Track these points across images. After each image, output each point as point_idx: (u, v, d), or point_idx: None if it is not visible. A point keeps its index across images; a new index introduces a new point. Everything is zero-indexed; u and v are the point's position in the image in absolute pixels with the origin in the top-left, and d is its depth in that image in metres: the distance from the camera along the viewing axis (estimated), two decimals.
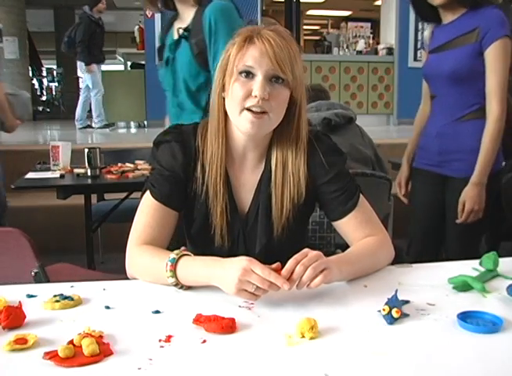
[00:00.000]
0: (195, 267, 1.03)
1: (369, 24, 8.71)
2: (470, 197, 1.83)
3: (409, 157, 2.18)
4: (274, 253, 1.13)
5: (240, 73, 1.08)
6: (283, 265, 0.97)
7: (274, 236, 1.18)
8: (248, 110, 1.08)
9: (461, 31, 1.86)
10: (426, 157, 2.03)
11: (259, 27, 1.11)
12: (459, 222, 1.87)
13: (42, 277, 1.73)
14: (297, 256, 0.98)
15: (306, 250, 1.00)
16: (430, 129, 2.01)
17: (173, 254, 1.04)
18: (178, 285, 1.04)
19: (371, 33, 8.67)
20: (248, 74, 1.08)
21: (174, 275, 1.03)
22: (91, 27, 6.58)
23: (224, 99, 1.13)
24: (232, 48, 1.10)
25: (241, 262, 0.94)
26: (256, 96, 1.06)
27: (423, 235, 2.13)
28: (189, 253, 1.07)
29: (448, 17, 1.91)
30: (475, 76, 1.83)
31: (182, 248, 1.08)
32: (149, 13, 6.65)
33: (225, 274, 0.96)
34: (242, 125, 1.10)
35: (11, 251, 1.75)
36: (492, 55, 1.79)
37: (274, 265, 0.97)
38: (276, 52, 1.06)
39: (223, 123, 1.15)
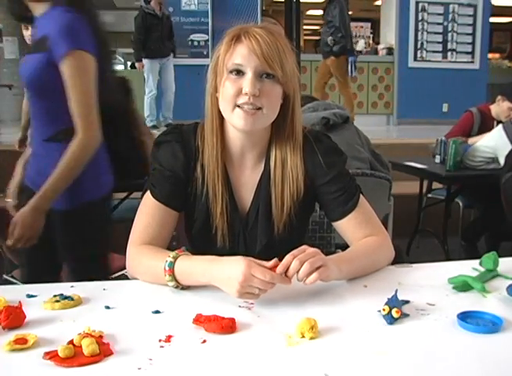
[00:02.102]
0: (193, 269, 1.02)
1: (369, 24, 8.72)
2: (21, 222, 1.49)
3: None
4: (274, 253, 1.13)
5: (230, 71, 1.09)
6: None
7: (274, 235, 1.18)
8: (240, 107, 1.08)
9: (39, 34, 1.54)
10: (28, 175, 1.70)
11: (247, 26, 1.11)
12: (9, 244, 1.53)
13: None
14: (294, 252, 0.98)
15: (304, 246, 1.00)
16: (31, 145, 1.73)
17: (169, 258, 1.03)
18: (179, 286, 1.04)
19: (371, 33, 8.68)
20: (238, 72, 1.08)
21: (174, 278, 1.03)
22: (147, 20, 5.99)
23: (217, 99, 1.13)
24: (221, 47, 1.11)
25: (240, 266, 0.94)
26: (247, 94, 1.07)
27: None
28: (187, 253, 1.06)
29: (35, 11, 1.56)
30: (58, 90, 1.50)
31: (182, 248, 1.08)
32: None
33: (225, 278, 0.96)
34: (236, 122, 1.10)
35: None
36: (64, 70, 1.49)
37: (271, 262, 0.96)
38: (264, 49, 1.06)
39: (217, 124, 1.15)
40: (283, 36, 1.12)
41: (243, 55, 1.07)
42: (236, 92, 1.08)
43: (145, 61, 6.12)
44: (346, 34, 5.74)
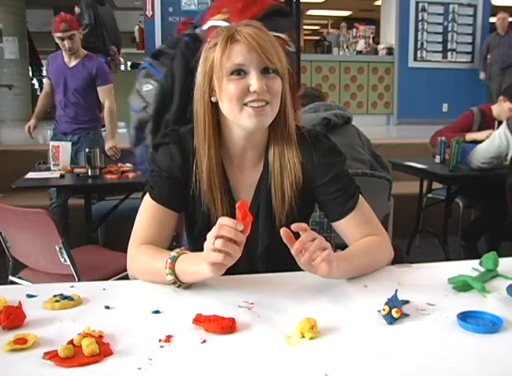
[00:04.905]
0: (192, 263, 1.02)
1: (373, 26, 8.72)
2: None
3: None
4: (276, 254, 1.13)
5: (231, 73, 1.08)
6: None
7: (276, 230, 1.17)
8: (249, 105, 1.07)
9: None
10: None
11: (233, 26, 1.11)
12: None
13: (66, 252, 1.82)
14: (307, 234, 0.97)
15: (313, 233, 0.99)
16: None
17: (173, 253, 1.04)
18: (177, 283, 1.04)
19: (371, 33, 8.68)
20: (240, 72, 1.08)
21: (173, 272, 1.03)
22: None
23: (212, 103, 1.13)
24: (214, 51, 1.09)
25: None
26: (255, 91, 1.06)
27: None
28: (189, 252, 1.07)
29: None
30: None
31: (183, 248, 1.08)
32: (149, 13, 6.64)
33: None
34: (245, 122, 1.09)
35: (39, 229, 1.84)
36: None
37: None
38: (262, 45, 1.06)
39: (211, 129, 1.14)
40: (268, 31, 1.12)
41: (242, 54, 1.07)
42: (242, 92, 1.07)
43: None
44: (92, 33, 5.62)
